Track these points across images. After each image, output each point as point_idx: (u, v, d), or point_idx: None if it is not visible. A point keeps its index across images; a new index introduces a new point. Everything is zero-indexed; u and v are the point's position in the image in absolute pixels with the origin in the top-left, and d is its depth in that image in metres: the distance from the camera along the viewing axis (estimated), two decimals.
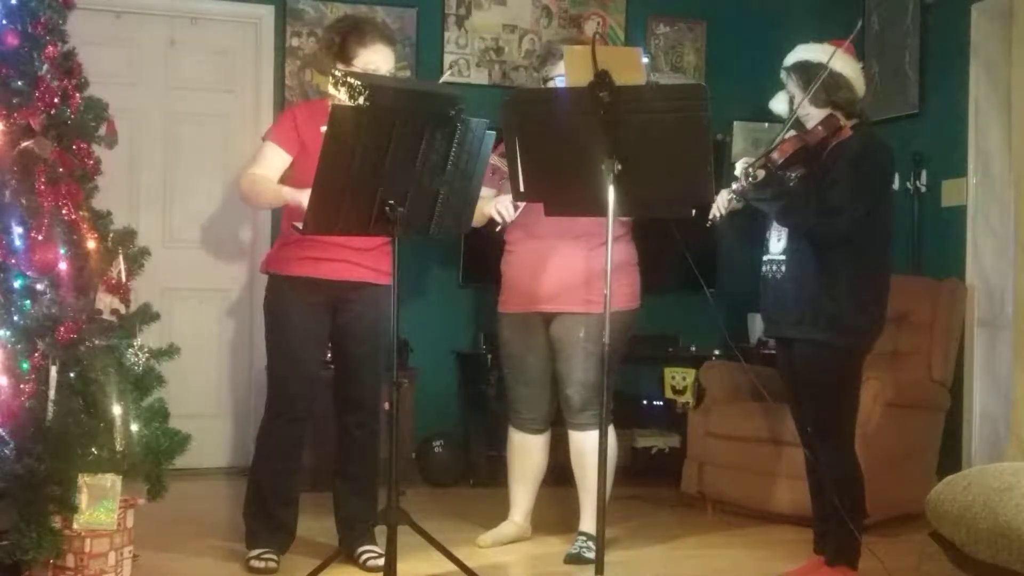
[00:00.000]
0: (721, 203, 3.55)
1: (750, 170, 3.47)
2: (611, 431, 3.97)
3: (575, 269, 3.96)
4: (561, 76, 3.90)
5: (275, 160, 3.72)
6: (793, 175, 3.56)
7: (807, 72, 3.52)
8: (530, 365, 4.11)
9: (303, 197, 3.37)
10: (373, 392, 3.86)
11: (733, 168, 3.54)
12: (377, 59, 3.71)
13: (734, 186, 3.51)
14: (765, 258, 3.66)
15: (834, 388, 3.55)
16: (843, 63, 3.55)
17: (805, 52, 3.58)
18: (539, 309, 4.04)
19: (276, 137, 3.75)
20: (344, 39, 3.73)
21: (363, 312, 3.77)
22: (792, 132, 3.56)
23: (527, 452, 4.20)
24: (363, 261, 3.72)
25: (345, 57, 3.71)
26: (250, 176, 3.72)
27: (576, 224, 3.88)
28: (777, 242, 3.62)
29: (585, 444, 3.99)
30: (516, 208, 3.82)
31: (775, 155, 3.50)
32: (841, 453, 3.57)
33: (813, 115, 3.55)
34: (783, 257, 3.59)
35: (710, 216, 3.57)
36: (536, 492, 4.25)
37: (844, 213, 3.42)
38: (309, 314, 3.73)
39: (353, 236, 3.48)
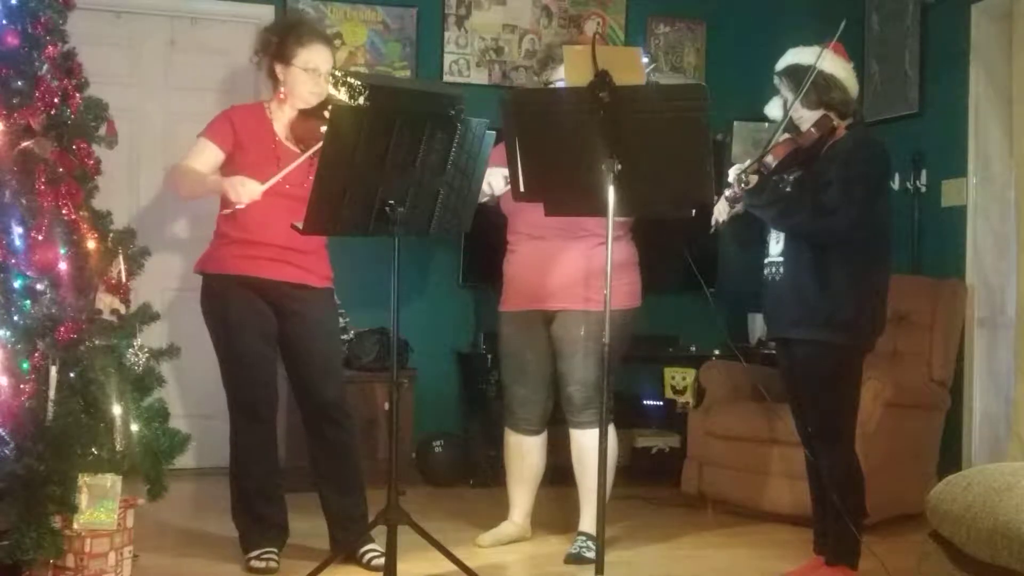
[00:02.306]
0: (721, 210, 3.56)
1: (743, 176, 3.47)
2: (611, 430, 3.97)
3: (576, 268, 3.97)
4: (562, 80, 3.90)
5: (208, 155, 3.70)
6: (789, 178, 3.56)
7: (798, 75, 3.53)
8: (529, 363, 4.11)
9: (226, 185, 3.48)
10: (337, 390, 3.81)
11: (726, 175, 3.53)
12: (316, 59, 3.69)
13: (727, 192, 3.51)
14: (766, 261, 3.67)
15: (834, 387, 3.55)
16: (833, 64, 3.55)
17: (795, 56, 3.59)
18: (540, 307, 4.04)
19: (211, 134, 3.72)
20: (282, 40, 3.72)
21: (311, 316, 3.74)
22: (785, 135, 3.57)
23: (523, 453, 4.19)
24: (304, 264, 3.71)
25: (284, 57, 3.69)
26: (178, 167, 3.72)
27: (577, 224, 3.88)
28: (776, 244, 3.62)
29: (587, 443, 3.99)
30: (505, 182, 3.76)
31: (768, 159, 3.50)
32: (841, 453, 3.57)
33: (806, 117, 3.56)
34: (781, 259, 3.60)
35: (712, 223, 3.57)
36: (535, 492, 4.25)
37: (839, 213, 3.42)
38: (253, 313, 3.69)
39: (282, 236, 3.50)
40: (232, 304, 3.68)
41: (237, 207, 3.51)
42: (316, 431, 3.81)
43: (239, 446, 3.78)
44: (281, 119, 3.74)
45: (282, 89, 3.73)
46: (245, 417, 3.75)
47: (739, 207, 3.57)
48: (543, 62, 4.06)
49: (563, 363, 4.03)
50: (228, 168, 3.69)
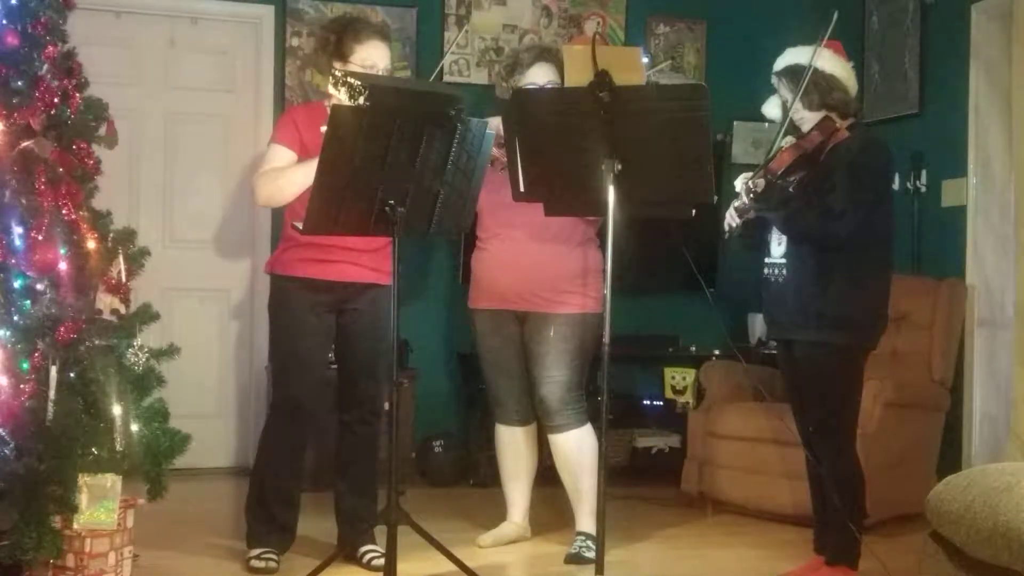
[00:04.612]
0: (732, 216, 3.55)
1: (750, 183, 3.46)
2: (590, 429, 3.99)
3: (545, 270, 3.96)
4: (531, 84, 3.90)
5: (284, 159, 3.72)
6: (792, 179, 3.56)
7: (797, 75, 3.52)
8: (508, 358, 4.11)
9: None
10: (376, 391, 3.86)
11: (735, 186, 3.52)
12: (374, 55, 3.71)
13: (736, 203, 3.50)
14: (767, 261, 3.66)
15: (836, 387, 3.55)
16: (832, 63, 3.54)
17: (793, 56, 3.58)
18: (509, 307, 4.04)
19: (281, 138, 3.75)
20: (340, 37, 3.74)
21: (366, 312, 3.78)
22: (789, 139, 3.56)
23: (517, 444, 4.19)
24: (366, 262, 3.73)
25: (341, 55, 3.72)
26: (266, 174, 3.70)
27: (549, 225, 3.84)
28: (778, 246, 3.62)
29: (566, 445, 4.00)
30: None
31: (773, 165, 3.49)
32: (842, 453, 3.57)
33: (808, 119, 3.55)
34: (783, 260, 3.59)
35: (725, 228, 3.57)
36: (531, 488, 4.25)
37: (845, 216, 3.42)
38: (313, 315, 3.74)
39: (353, 237, 3.49)
40: (295, 307, 3.73)
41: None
42: (349, 427, 3.85)
43: (269, 445, 3.81)
44: None
45: None
46: (283, 417, 3.78)
47: (751, 212, 3.57)
48: (510, 68, 4.03)
49: (534, 365, 4.02)
50: None
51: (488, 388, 4.27)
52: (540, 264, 3.96)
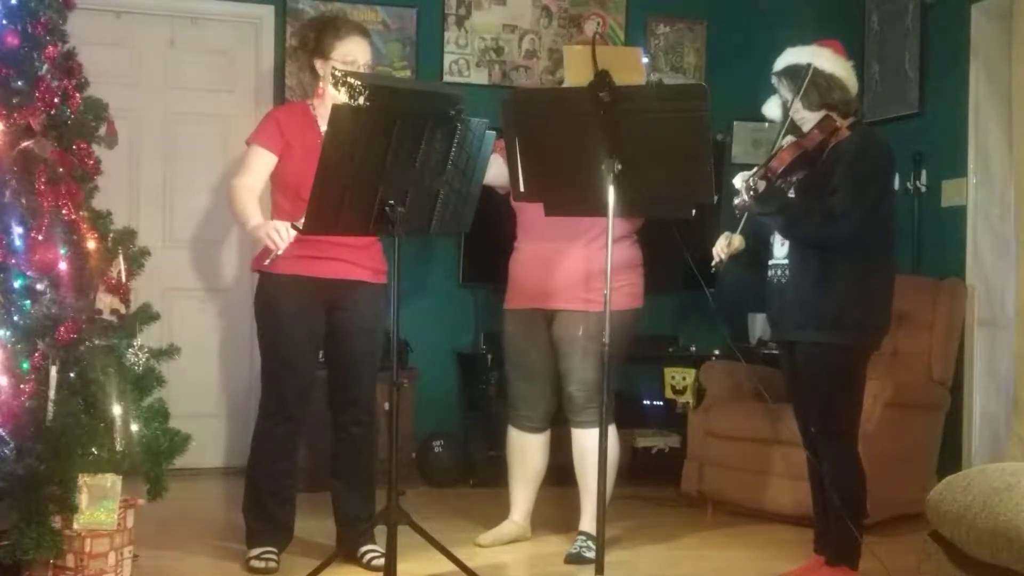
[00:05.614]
0: (720, 248, 3.56)
1: (751, 182, 3.46)
2: (612, 430, 3.97)
3: (577, 268, 3.98)
4: None
5: (261, 164, 3.73)
6: (792, 179, 3.56)
7: (797, 75, 3.52)
8: (532, 361, 4.12)
9: (261, 233, 3.49)
10: (368, 390, 3.85)
11: (735, 183, 3.52)
12: (355, 50, 3.72)
13: (736, 201, 3.50)
14: (770, 263, 3.66)
15: (839, 388, 3.54)
16: (832, 63, 3.54)
17: (793, 55, 3.58)
18: (540, 306, 4.05)
19: (260, 140, 3.76)
20: (319, 35, 3.76)
21: (357, 310, 3.77)
22: (789, 138, 3.56)
23: (525, 451, 4.20)
24: (357, 259, 3.72)
25: (322, 52, 3.73)
26: (235, 188, 3.74)
27: (582, 224, 3.89)
28: (781, 247, 3.62)
29: (588, 442, 4.00)
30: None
31: (774, 164, 3.49)
32: (844, 453, 3.56)
33: (808, 119, 3.54)
34: (786, 262, 3.59)
35: (713, 264, 3.58)
36: (536, 492, 4.25)
37: (846, 218, 3.41)
38: (303, 313, 3.72)
39: (350, 236, 3.50)
40: (283, 305, 3.72)
41: (277, 254, 3.47)
42: (342, 427, 3.84)
43: (261, 444, 3.80)
44: (324, 115, 3.73)
45: (321, 84, 3.75)
46: (274, 416, 3.77)
47: (739, 244, 3.57)
48: (559, 62, 4.10)
49: (563, 363, 4.04)
50: (278, 168, 3.74)
51: (508, 390, 4.27)
52: (570, 262, 3.97)
